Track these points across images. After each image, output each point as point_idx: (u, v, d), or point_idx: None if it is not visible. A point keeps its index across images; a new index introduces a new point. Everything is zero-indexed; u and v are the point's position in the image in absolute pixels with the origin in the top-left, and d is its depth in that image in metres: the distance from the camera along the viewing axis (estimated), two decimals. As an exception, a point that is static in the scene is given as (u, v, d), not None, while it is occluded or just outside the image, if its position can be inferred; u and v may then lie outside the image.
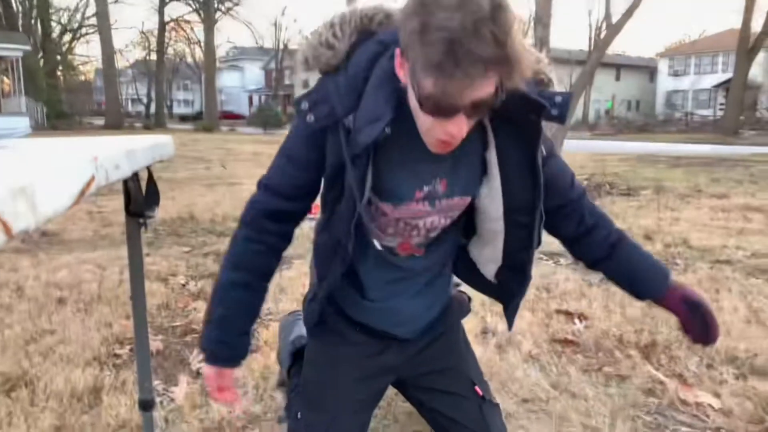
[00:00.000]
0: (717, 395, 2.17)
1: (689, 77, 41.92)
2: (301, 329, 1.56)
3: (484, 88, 0.81)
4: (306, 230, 4.12)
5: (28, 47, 25.28)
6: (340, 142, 0.95)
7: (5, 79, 26.09)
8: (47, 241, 4.71)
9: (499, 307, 1.23)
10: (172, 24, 40.82)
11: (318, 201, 1.11)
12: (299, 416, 1.18)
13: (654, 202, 6.63)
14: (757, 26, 24.12)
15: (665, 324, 2.73)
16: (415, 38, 0.79)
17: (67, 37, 41.92)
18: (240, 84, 61.17)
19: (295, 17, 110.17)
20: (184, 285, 3.53)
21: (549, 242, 1.19)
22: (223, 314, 1.07)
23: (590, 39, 39.96)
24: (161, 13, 38.29)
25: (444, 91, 0.80)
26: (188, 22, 42.42)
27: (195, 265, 3.99)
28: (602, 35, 17.47)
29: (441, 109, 0.84)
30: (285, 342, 1.70)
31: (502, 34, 0.76)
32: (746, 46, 24.11)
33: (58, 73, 38.28)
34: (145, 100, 48.14)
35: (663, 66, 44.37)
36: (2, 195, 0.48)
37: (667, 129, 30.77)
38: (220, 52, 52.27)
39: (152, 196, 1.42)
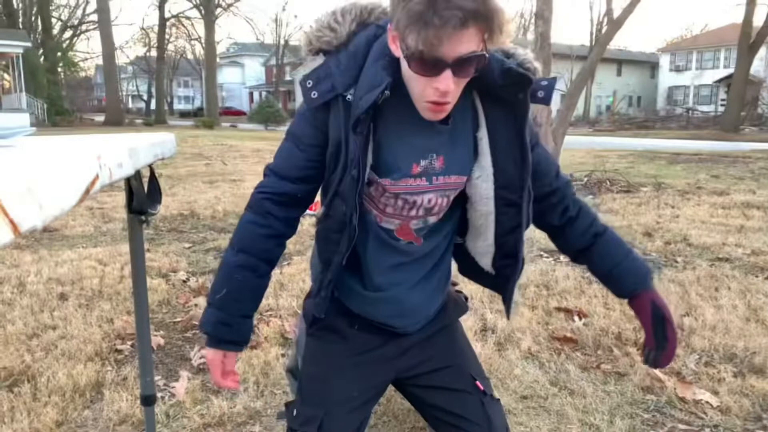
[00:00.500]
0: (715, 393, 2.18)
1: (691, 72, 41.65)
2: None
3: (466, 43, 0.86)
4: (306, 226, 4.13)
5: (28, 44, 25.27)
6: (342, 116, 1.00)
7: (5, 75, 26.08)
8: (48, 237, 4.72)
9: (498, 305, 1.25)
10: (172, 20, 40.86)
11: (318, 198, 1.13)
12: (295, 413, 1.19)
13: (654, 199, 6.63)
14: (759, 21, 24.03)
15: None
16: (401, 3, 0.86)
17: (67, 34, 42.04)
18: (240, 80, 61.07)
19: (295, 13, 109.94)
20: (185, 281, 3.55)
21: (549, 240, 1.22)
22: (226, 296, 1.07)
23: (591, 34, 39.97)
24: (162, 9, 38.29)
25: (426, 41, 0.84)
26: (189, 18, 42.41)
27: (196, 262, 4.01)
28: (603, 30, 17.40)
29: (427, 64, 0.88)
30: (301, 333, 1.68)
31: None
32: (748, 42, 23.95)
33: (59, 69, 38.21)
34: (145, 97, 48.12)
35: (664, 61, 44.08)
36: (10, 195, 0.49)
37: (667, 125, 30.70)
38: (221, 49, 52.45)
39: (154, 193, 1.43)
